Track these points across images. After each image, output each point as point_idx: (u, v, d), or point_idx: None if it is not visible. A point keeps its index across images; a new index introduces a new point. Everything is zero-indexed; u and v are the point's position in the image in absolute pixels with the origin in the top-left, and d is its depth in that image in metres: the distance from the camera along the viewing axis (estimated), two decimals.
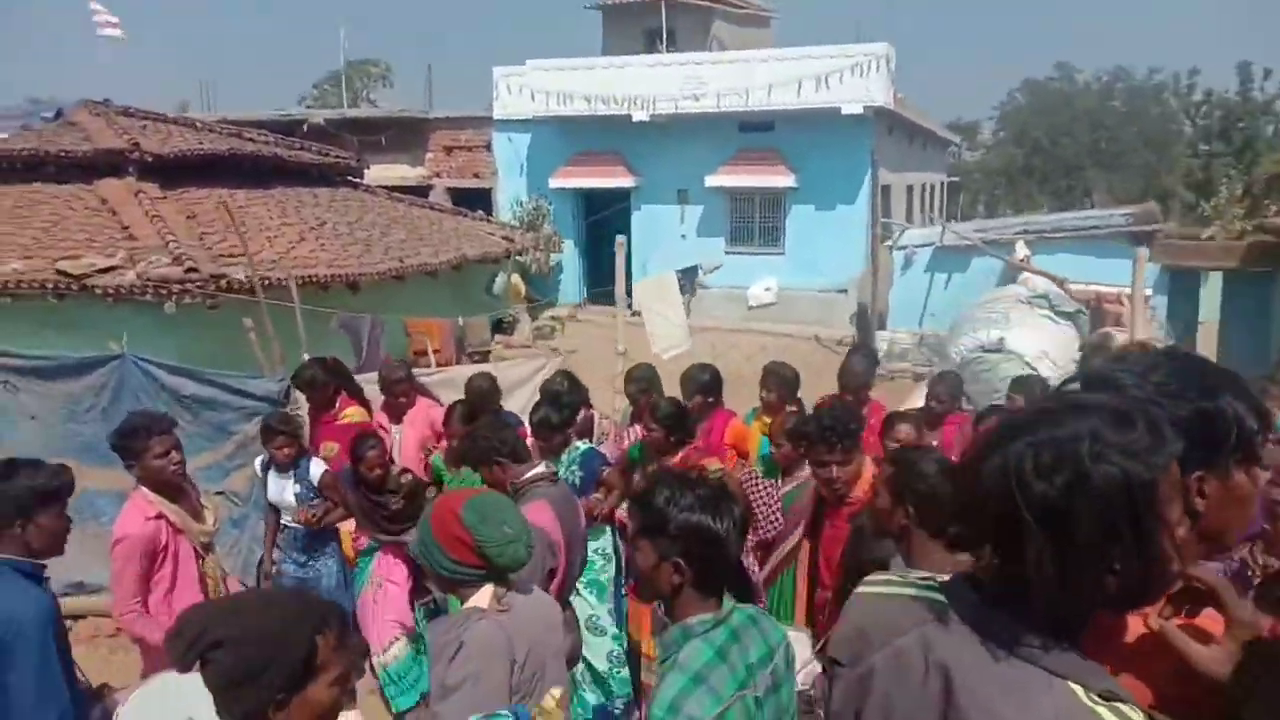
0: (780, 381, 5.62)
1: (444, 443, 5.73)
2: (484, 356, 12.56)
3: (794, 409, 5.44)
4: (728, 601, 2.23)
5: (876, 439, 4.99)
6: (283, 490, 5.36)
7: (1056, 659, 1.28)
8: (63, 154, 12.19)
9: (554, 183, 19.99)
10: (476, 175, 21.60)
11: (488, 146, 21.38)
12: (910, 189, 22.94)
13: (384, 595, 5.11)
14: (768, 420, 5.45)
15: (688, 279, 17.24)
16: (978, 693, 1.29)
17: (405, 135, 21.59)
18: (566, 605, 3.76)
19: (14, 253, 10.32)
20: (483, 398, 5.88)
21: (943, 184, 28.23)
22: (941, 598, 1.42)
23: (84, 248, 10.39)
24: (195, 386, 6.68)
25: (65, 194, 11.83)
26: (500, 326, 15.91)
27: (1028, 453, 1.27)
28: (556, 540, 3.55)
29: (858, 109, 17.42)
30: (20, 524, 3.08)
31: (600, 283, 20.35)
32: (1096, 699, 1.25)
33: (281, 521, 5.44)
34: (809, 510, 4.39)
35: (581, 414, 5.85)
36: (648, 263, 17.99)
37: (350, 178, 17.06)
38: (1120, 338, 10.13)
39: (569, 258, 20.48)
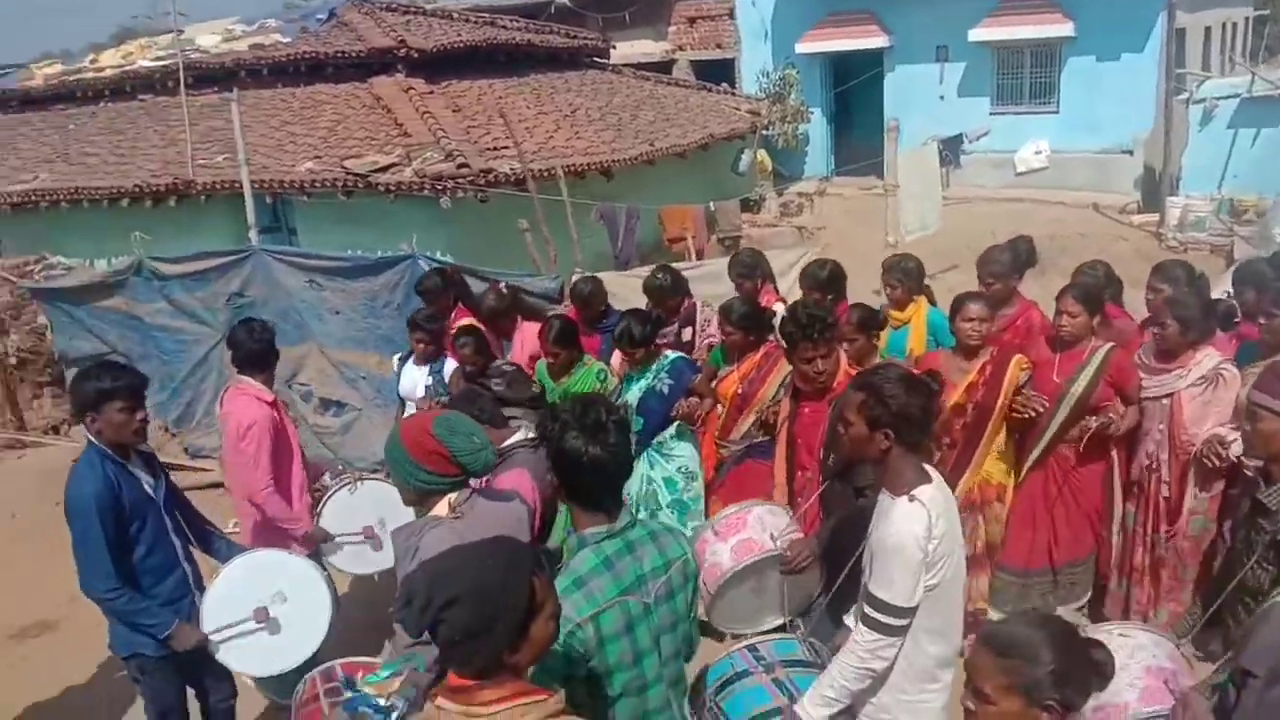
0: (904, 275, 5.35)
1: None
2: (734, 241, 12.44)
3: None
4: (625, 516, 2.46)
5: (1022, 341, 4.75)
6: (415, 384, 5.64)
7: None
8: (339, 54, 12.96)
9: (801, 48, 19.06)
10: (719, 46, 21.01)
11: (730, 14, 20.66)
12: (1208, 30, 20.11)
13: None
14: (896, 314, 5.31)
15: (950, 149, 16.20)
16: None
17: (648, 9, 21.24)
18: None
19: (306, 153, 11.19)
20: (586, 302, 5.81)
21: (1248, 19, 24.53)
22: None
23: (365, 146, 11.09)
24: (477, 284, 7.01)
25: (343, 93, 12.64)
26: (746, 204, 15.67)
27: None
28: (534, 506, 3.62)
29: None
30: (90, 417, 3.56)
31: (849, 154, 19.53)
32: None
33: (406, 414, 5.64)
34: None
35: (685, 304, 5.77)
36: (902, 129, 17.06)
37: (597, 58, 17.10)
38: None
39: (816, 127, 19.65)
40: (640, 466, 5.01)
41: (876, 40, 18.54)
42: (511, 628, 1.98)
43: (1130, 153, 16.36)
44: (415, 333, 5.61)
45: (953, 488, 4.40)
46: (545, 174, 9.82)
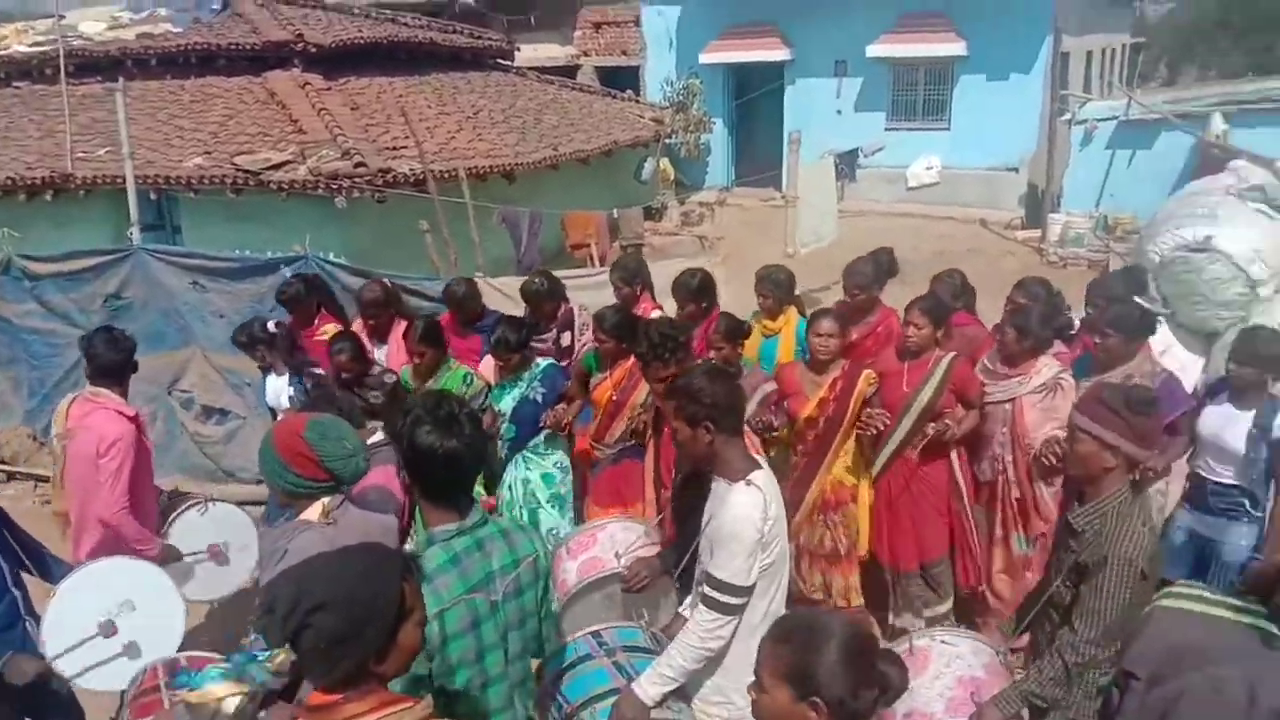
0: (774, 286, 5.49)
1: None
2: (637, 249, 12.48)
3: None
4: (476, 513, 2.48)
5: (881, 347, 5.07)
6: (279, 394, 5.51)
7: None
8: (233, 46, 12.54)
9: (704, 58, 19.27)
10: (624, 53, 21.12)
11: (636, 21, 20.78)
12: (1090, 54, 21.11)
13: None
14: (768, 323, 5.48)
15: (846, 163, 16.57)
16: None
17: (553, 12, 21.23)
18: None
19: (195, 148, 10.78)
20: (460, 303, 5.77)
21: (1125, 46, 25.84)
22: (1271, 628, 1.28)
23: (257, 142, 10.74)
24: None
25: (236, 87, 12.23)
26: (649, 213, 15.75)
27: None
28: (401, 501, 3.68)
29: None
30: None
31: (750, 165, 19.82)
32: None
33: None
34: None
35: (563, 309, 5.80)
36: (801, 142, 17.38)
37: (501, 60, 16.97)
38: None
39: (718, 138, 19.90)
40: (514, 471, 5.08)
41: (778, 53, 18.89)
42: (380, 634, 1.94)
43: (1016, 170, 17.05)
44: (254, 350, 5.40)
45: (805, 493, 4.64)
46: (447, 175, 9.69)
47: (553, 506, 5.08)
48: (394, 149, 10.81)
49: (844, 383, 4.56)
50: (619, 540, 3.91)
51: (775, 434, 4.72)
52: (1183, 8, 37.99)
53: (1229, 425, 4.06)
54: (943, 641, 3.14)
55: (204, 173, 10.22)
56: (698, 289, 5.50)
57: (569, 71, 20.39)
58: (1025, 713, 2.87)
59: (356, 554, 2.04)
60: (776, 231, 12.03)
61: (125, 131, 7.87)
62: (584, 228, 11.19)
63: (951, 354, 4.61)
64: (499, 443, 5.09)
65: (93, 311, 7.29)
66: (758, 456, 3.07)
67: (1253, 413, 4.01)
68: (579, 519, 5.10)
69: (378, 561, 2.02)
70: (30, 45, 14.00)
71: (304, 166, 10.00)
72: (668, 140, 17.68)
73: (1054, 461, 4.22)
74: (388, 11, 15.85)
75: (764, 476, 2.92)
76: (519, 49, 18.38)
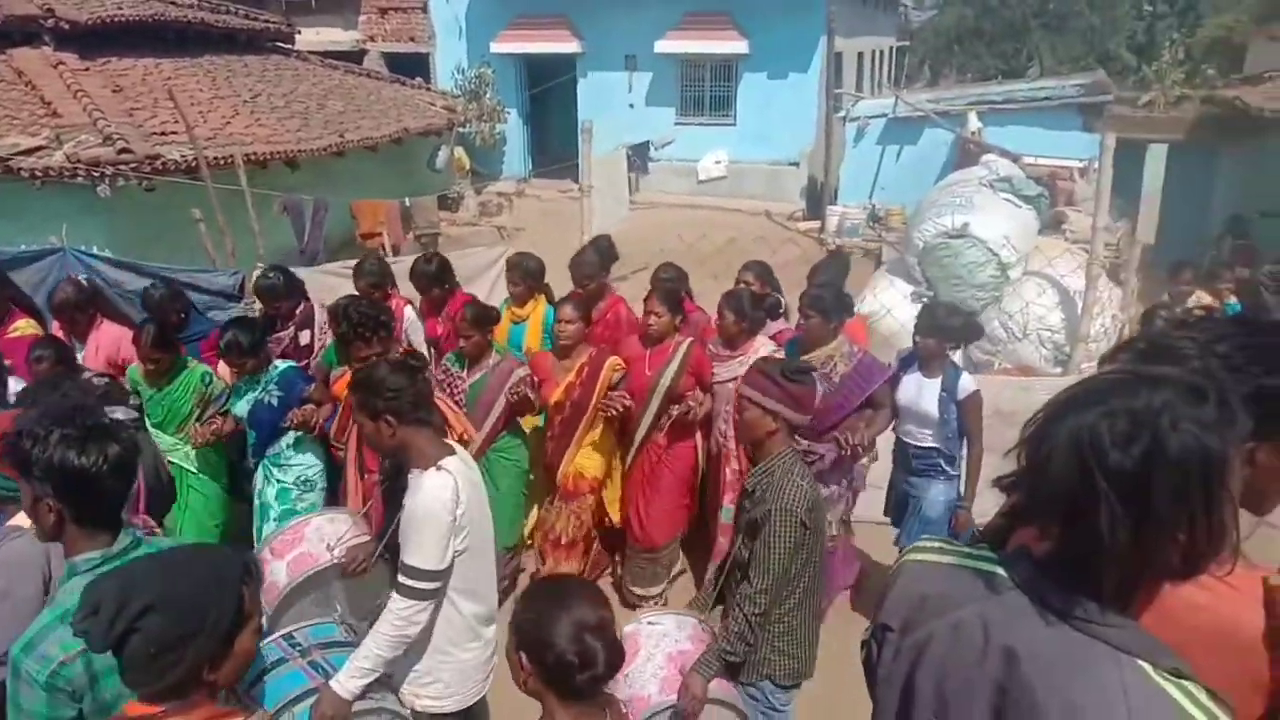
0: (524, 274, 5.68)
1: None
2: (433, 239, 12.25)
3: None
4: (126, 536, 2.27)
5: (611, 332, 5.40)
6: None
7: (1123, 635, 1.30)
8: None
9: (495, 48, 19.14)
10: (413, 39, 20.59)
11: (424, 8, 20.31)
12: (861, 55, 22.46)
13: None
14: (516, 310, 5.65)
15: (639, 155, 16.89)
16: (1043, 669, 1.31)
17: None
18: None
19: None
20: (157, 308, 5.48)
21: (892, 48, 27.68)
22: (999, 570, 1.43)
23: (4, 126, 9.76)
24: (141, 282, 6.37)
25: None
26: (445, 203, 15.49)
27: (1103, 423, 1.27)
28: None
29: None
30: None
31: (546, 156, 19.84)
32: (1166, 676, 1.27)
33: None
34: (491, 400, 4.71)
35: (301, 306, 5.68)
36: (594, 134, 17.57)
37: (280, 44, 16.19)
38: (1072, 216, 10.22)
39: (513, 128, 19.82)
40: (260, 483, 4.87)
41: (569, 45, 18.99)
42: (215, 640, 1.85)
43: (796, 164, 17.91)
44: None
45: (554, 477, 4.90)
46: (222, 162, 9.15)
47: (281, 524, 4.71)
48: (163, 134, 10.11)
49: (590, 369, 4.76)
50: (327, 533, 3.83)
51: (530, 410, 4.86)
52: (943, 14, 41.09)
53: (921, 392, 4.47)
54: (649, 623, 3.29)
55: None
56: (435, 274, 5.57)
57: (355, 57, 19.67)
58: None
59: (191, 554, 1.95)
60: (574, 221, 12.10)
61: None
62: (374, 216, 10.86)
63: (690, 339, 4.88)
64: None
65: None
66: (452, 443, 3.12)
67: (939, 379, 4.45)
68: None
69: (215, 562, 1.92)
70: None
71: (60, 152, 9.18)
72: (461, 129, 17.42)
73: None
74: None
75: (456, 462, 2.95)
76: (299, 32, 17.57)
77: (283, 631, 3.11)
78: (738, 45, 17.99)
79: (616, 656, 2.00)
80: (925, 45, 39.90)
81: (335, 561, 3.65)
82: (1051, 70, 28.90)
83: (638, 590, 5.11)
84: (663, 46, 18.25)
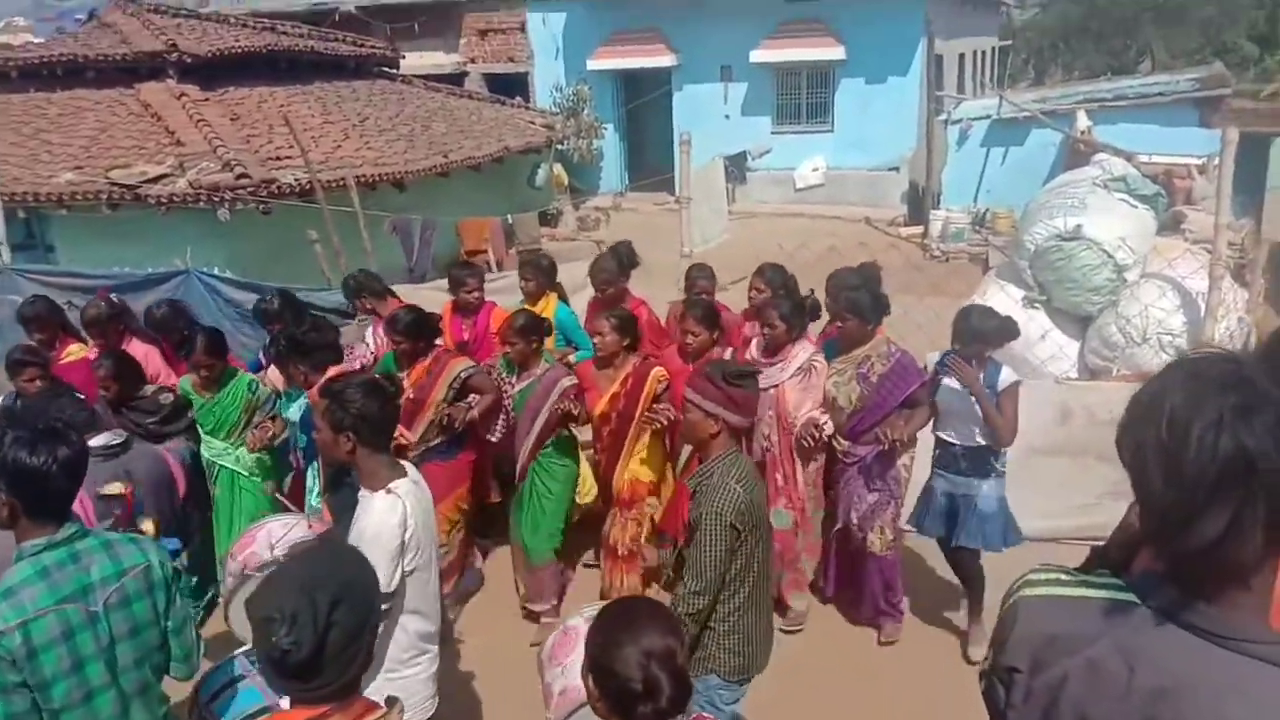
0: (536, 270, 5.75)
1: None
2: (535, 254, 12.43)
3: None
4: (71, 526, 2.48)
5: (653, 337, 5.43)
6: None
7: None
8: (101, 58, 12.05)
9: (592, 64, 19.39)
10: (512, 59, 21.02)
11: (522, 28, 20.72)
12: (962, 56, 21.97)
13: None
14: (529, 308, 5.56)
15: (736, 165, 16.85)
16: (1205, 701, 1.23)
17: (437, 20, 20.96)
18: None
19: (65, 163, 10.32)
20: (159, 325, 5.64)
21: (994, 49, 27.00)
22: (1131, 597, 1.35)
23: (133, 155, 10.34)
24: (250, 297, 6.67)
25: (108, 99, 11.74)
26: (544, 218, 15.72)
27: (1250, 421, 1.17)
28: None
29: None
30: None
31: (642, 169, 19.97)
32: None
33: None
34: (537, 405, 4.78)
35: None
36: (691, 144, 17.63)
37: (386, 68, 16.72)
38: (1191, 215, 9.77)
39: (609, 143, 20.02)
40: (310, 482, 4.94)
41: (664, 59, 19.10)
42: (376, 625, 1.94)
43: (897, 170, 17.60)
44: (23, 371, 4.78)
45: (609, 488, 4.89)
46: (335, 184, 9.49)
47: None
48: (277, 159, 10.54)
49: (634, 379, 4.78)
50: (275, 534, 3.84)
51: (574, 421, 4.90)
52: (1046, 12, 39.92)
53: (963, 395, 4.41)
54: (589, 617, 3.27)
55: (76, 189, 9.79)
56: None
57: (456, 79, 20.19)
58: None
59: (326, 545, 2.02)
60: (670, 234, 12.12)
61: None
62: (479, 234, 11.11)
63: (730, 350, 4.90)
64: (295, 452, 4.99)
65: None
66: (405, 464, 3.18)
67: (981, 378, 4.38)
68: None
69: (344, 549, 2.04)
70: None
71: (183, 179, 9.68)
72: (560, 146, 17.68)
73: (812, 443, 4.59)
74: (266, 20, 15.43)
75: (407, 484, 3.02)
76: (404, 57, 18.12)
77: (244, 649, 3.14)
78: (834, 51, 17.82)
79: (682, 690, 1.95)
80: (1028, 44, 38.82)
81: (276, 559, 3.61)
82: (1164, 65, 27.77)
83: None
84: (758, 56, 18.20)
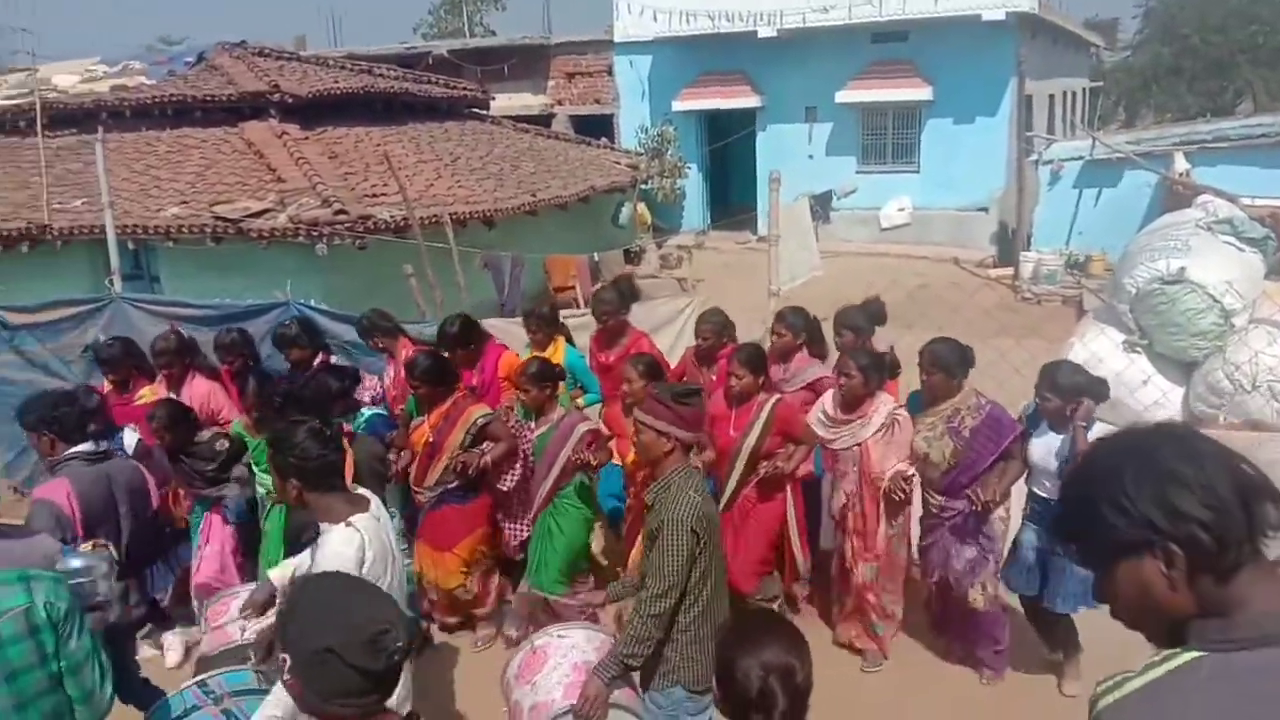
0: (540, 322, 5.73)
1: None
2: (537, 304, 12.56)
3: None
4: None
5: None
6: None
7: None
8: (208, 98, 12.59)
9: (677, 105, 19.57)
10: (598, 101, 21.37)
11: (609, 71, 21.06)
12: (1051, 97, 21.62)
13: (207, 549, 5.11)
14: (538, 355, 5.53)
15: (821, 204, 16.78)
16: None
17: (526, 63, 21.46)
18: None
19: (172, 198, 10.76)
20: (226, 349, 5.69)
21: (1084, 90, 26.51)
22: (1192, 653, 1.31)
23: (236, 191, 10.74)
24: (344, 328, 6.82)
25: (213, 138, 12.25)
26: (627, 256, 15.85)
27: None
28: (68, 514, 3.71)
29: (1000, 14, 16.48)
30: None
31: (724, 209, 20.02)
32: None
33: None
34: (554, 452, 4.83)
35: (320, 358, 5.78)
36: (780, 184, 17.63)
37: (477, 109, 17.13)
38: None
39: (692, 183, 20.12)
40: None
41: (749, 100, 19.19)
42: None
43: (986, 210, 17.31)
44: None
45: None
46: (429, 221, 9.71)
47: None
48: (373, 196, 10.84)
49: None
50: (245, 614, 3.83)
51: (592, 470, 4.86)
52: (1137, 54, 39.10)
53: (1053, 450, 4.32)
54: (559, 636, 3.45)
55: (182, 222, 10.19)
56: (457, 335, 5.58)
57: (544, 120, 20.59)
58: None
59: (346, 579, 2.08)
60: (751, 272, 12.10)
61: (105, 181, 7.84)
62: (566, 271, 11.24)
63: (775, 397, 4.79)
64: None
65: (71, 361, 7.21)
66: (366, 494, 3.23)
67: (1068, 435, 4.27)
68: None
69: (358, 581, 2.08)
70: (4, 99, 13.94)
71: (284, 214, 10.00)
72: (643, 185, 17.84)
73: (901, 496, 4.58)
74: (363, 63, 15.98)
75: (365, 520, 3.05)
76: (494, 98, 18.56)
77: (197, 680, 3.18)
78: (921, 92, 17.70)
79: (798, 707, 2.01)
80: (1118, 86, 37.99)
81: (244, 642, 3.67)
82: (1265, 106, 26.91)
83: None
84: (844, 96, 18.17)
